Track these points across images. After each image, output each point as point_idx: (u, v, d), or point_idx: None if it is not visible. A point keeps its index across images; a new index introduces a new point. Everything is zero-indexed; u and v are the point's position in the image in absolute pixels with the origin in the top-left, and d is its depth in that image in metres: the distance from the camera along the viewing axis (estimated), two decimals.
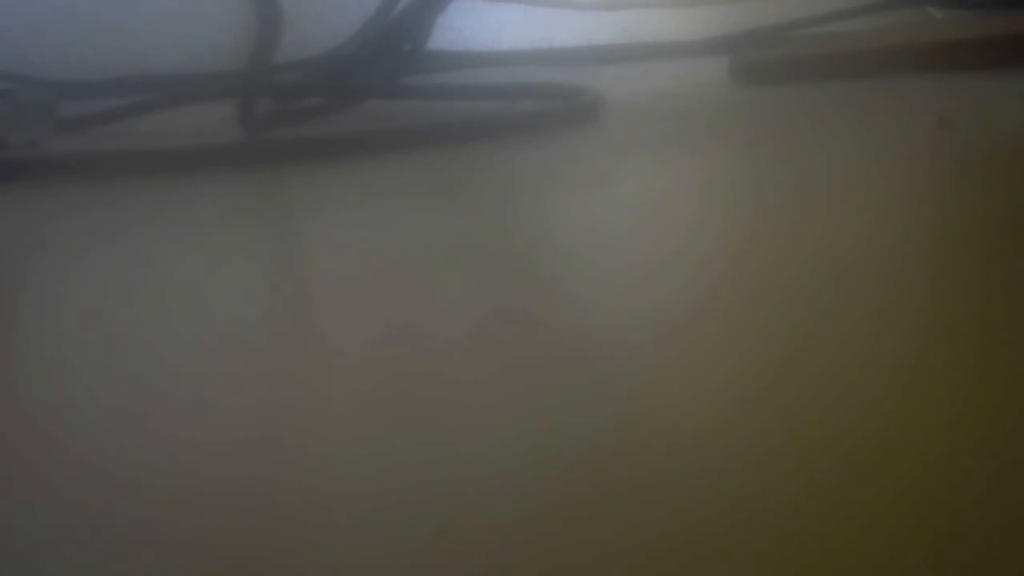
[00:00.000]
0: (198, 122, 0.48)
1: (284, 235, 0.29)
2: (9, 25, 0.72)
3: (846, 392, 0.14)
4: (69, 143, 0.47)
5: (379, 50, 0.52)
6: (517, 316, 0.19)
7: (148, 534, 0.12)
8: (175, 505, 0.13)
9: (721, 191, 0.28)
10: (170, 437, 0.15)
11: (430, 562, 0.11)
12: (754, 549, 0.11)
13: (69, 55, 0.73)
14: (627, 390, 0.15)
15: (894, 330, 0.16)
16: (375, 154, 0.40)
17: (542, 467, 0.13)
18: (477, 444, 0.14)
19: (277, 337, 0.19)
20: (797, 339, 0.16)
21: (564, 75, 0.55)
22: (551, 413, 0.14)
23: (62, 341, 0.20)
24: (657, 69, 0.62)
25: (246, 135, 0.42)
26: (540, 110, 0.44)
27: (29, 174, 0.40)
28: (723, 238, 0.23)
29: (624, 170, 0.32)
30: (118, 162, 0.40)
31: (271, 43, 0.42)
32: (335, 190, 0.33)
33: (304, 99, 0.50)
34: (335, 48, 0.56)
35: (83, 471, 0.14)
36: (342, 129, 0.44)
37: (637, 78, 0.58)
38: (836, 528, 0.11)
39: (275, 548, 0.11)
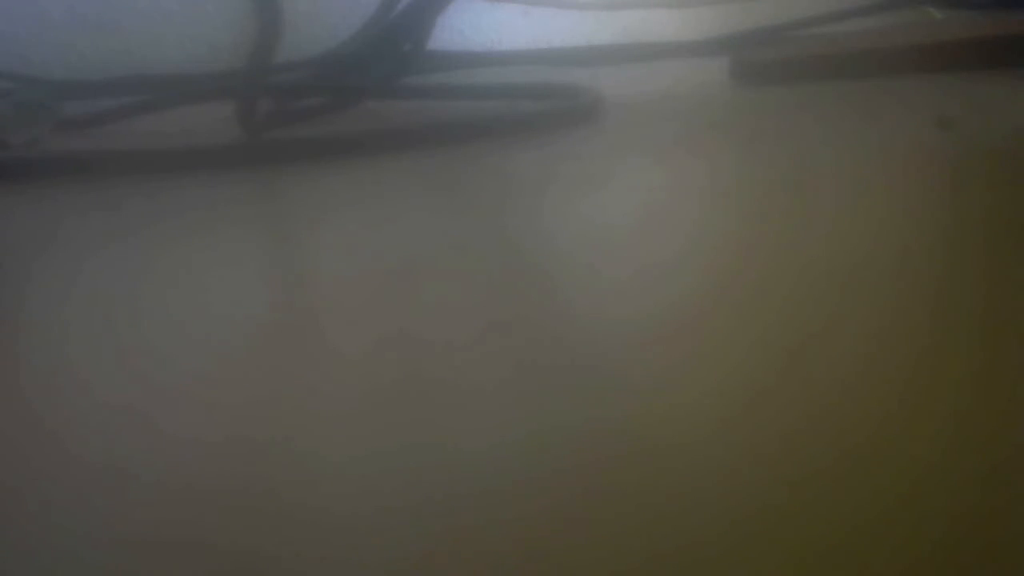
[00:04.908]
0: (198, 122, 0.48)
1: (284, 235, 0.29)
2: (9, 25, 0.72)
3: (846, 393, 0.14)
4: (69, 143, 0.47)
5: (379, 50, 0.52)
6: (517, 317, 0.19)
7: (150, 532, 0.12)
8: (178, 503, 0.13)
9: (721, 191, 0.28)
10: (173, 436, 0.15)
11: (430, 562, 0.11)
12: (756, 551, 0.11)
13: (69, 55, 0.73)
14: (628, 392, 0.15)
15: (895, 331, 0.16)
16: (375, 154, 0.40)
17: (543, 469, 0.13)
18: (477, 445, 0.14)
19: (277, 337, 0.19)
20: (798, 340, 0.16)
21: (564, 75, 0.55)
22: (551, 415, 0.14)
23: (64, 340, 0.20)
24: (657, 69, 0.62)
25: (246, 135, 0.42)
26: (540, 110, 0.44)
27: (29, 174, 0.40)
28: (723, 239, 0.23)
29: (624, 170, 0.32)
30: (118, 162, 0.40)
31: (271, 43, 0.42)
32: (335, 190, 0.33)
33: (304, 99, 0.50)
34: (335, 48, 0.56)
35: (88, 469, 0.14)
36: (342, 129, 0.44)
37: (637, 78, 0.58)
38: (837, 533, 0.11)
39: (277, 547, 0.11)
